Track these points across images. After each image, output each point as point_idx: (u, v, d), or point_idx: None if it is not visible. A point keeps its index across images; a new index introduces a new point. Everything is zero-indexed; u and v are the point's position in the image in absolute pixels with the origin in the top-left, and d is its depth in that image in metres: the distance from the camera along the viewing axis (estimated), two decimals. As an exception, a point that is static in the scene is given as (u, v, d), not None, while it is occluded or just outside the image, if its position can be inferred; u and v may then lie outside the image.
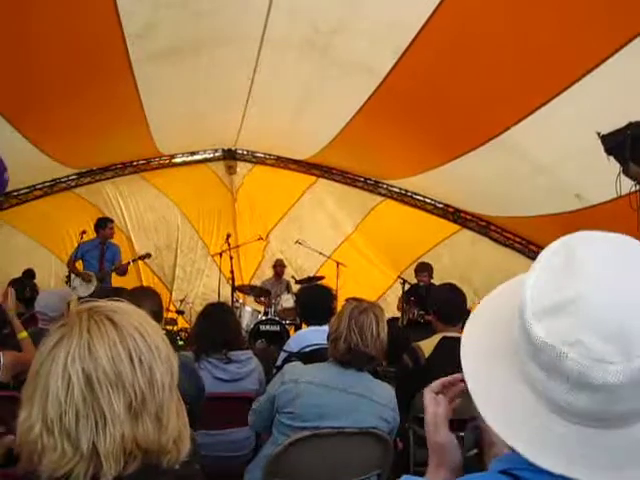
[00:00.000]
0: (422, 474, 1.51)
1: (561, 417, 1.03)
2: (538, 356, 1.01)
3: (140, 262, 10.64)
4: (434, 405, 1.51)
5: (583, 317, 0.97)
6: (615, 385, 0.95)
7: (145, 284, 10.89)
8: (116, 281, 9.39)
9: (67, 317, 1.33)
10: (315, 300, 4.85)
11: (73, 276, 8.92)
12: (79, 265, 9.05)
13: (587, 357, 0.95)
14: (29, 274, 9.18)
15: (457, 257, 10.79)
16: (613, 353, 0.94)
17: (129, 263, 9.43)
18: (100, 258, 9.08)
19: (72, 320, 1.30)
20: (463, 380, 1.19)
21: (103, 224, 9.20)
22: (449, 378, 1.55)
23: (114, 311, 1.33)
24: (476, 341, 1.21)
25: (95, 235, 9.18)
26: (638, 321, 0.96)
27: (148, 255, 9.84)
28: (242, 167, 12.18)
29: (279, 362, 4.66)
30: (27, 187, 10.12)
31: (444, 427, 1.48)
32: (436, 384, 1.56)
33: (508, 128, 6.45)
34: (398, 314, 9.82)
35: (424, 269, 9.42)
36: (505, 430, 1.06)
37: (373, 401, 3.17)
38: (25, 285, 7.96)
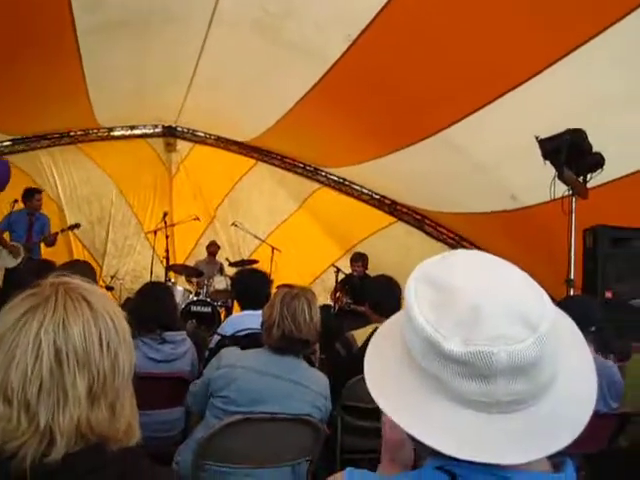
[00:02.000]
0: (350, 461, 1.54)
1: (481, 411, 1.09)
2: (466, 370, 1.07)
3: (71, 235, 10.43)
4: None
5: (486, 317, 1.06)
6: (539, 355, 1.05)
7: (76, 257, 10.68)
8: (46, 253, 9.17)
9: (38, 288, 1.30)
10: (252, 284, 4.83)
11: (0, 247, 8.68)
12: (6, 236, 8.77)
13: (510, 344, 1.04)
14: None
15: (391, 249, 10.87)
16: (523, 331, 1.05)
17: (57, 233, 9.11)
18: (28, 229, 8.83)
19: (45, 292, 1.28)
20: None
21: (30, 195, 8.90)
22: None
23: (89, 291, 1.32)
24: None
25: (23, 206, 8.90)
26: (520, 298, 1.10)
27: (77, 225, 9.65)
28: (183, 145, 12.06)
29: (212, 345, 4.64)
30: (-46, 151, 9.75)
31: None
32: None
33: (450, 125, 6.56)
34: (330, 302, 9.91)
35: (359, 259, 9.51)
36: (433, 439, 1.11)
37: (308, 388, 3.19)
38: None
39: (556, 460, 1.16)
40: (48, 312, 1.23)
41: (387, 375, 1.22)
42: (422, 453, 1.22)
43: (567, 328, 1.25)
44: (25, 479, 1.16)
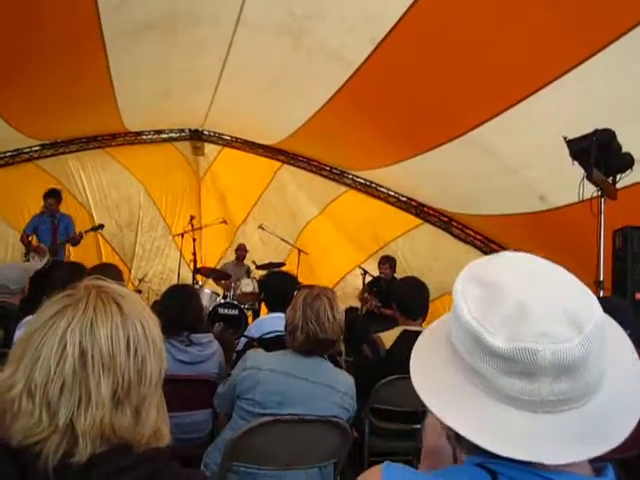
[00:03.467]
0: (378, 464, 1.53)
1: (525, 409, 1.10)
2: (511, 367, 1.08)
3: (100, 238, 10.51)
4: None
5: (532, 315, 1.08)
6: (585, 356, 1.06)
7: (105, 261, 10.77)
8: (76, 256, 9.28)
9: (75, 288, 1.32)
10: (279, 287, 4.85)
11: (28, 249, 8.79)
12: (33, 239, 8.89)
13: (556, 343, 1.05)
14: None
15: (418, 251, 10.86)
16: (568, 331, 1.06)
17: (81, 234, 9.12)
18: (52, 231, 8.91)
19: (79, 293, 1.30)
20: None
21: (46, 196, 8.99)
22: None
23: (122, 296, 1.33)
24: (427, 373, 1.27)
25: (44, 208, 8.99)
26: (568, 299, 1.11)
27: (101, 226, 9.75)
28: (211, 149, 12.12)
29: (240, 347, 4.66)
30: (-14, 156, 9.88)
31: (444, 432, 1.52)
32: None
33: (477, 126, 6.52)
34: (357, 304, 9.91)
35: (386, 261, 9.53)
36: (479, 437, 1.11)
37: (334, 389, 3.19)
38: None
39: (597, 465, 1.16)
40: (77, 313, 1.25)
41: (432, 372, 1.24)
42: (463, 450, 1.22)
43: (614, 330, 1.25)
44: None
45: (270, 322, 4.55)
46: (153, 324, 1.36)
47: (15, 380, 1.21)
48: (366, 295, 9.46)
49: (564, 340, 1.05)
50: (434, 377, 1.22)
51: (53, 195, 9.10)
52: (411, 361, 1.30)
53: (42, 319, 1.26)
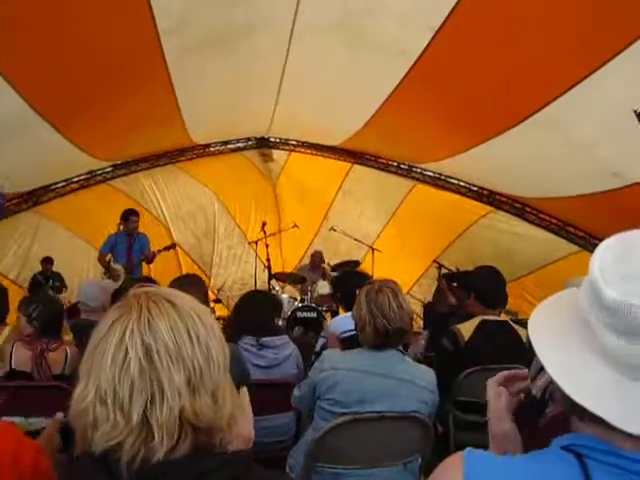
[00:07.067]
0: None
1: (620, 373, 1.13)
2: (614, 321, 1.10)
3: (179, 250, 10.70)
4: (496, 397, 1.55)
5: None
6: None
7: (185, 272, 10.94)
8: (156, 269, 9.52)
9: (123, 300, 1.36)
10: (353, 286, 4.84)
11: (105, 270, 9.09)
12: (108, 258, 9.15)
13: None
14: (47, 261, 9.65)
15: (492, 239, 10.68)
16: None
17: (154, 253, 9.33)
18: (128, 250, 9.13)
19: (130, 301, 1.33)
20: (525, 377, 1.36)
21: (126, 217, 9.19)
22: (512, 372, 1.60)
23: (171, 294, 1.37)
24: (547, 336, 1.29)
25: (123, 228, 9.25)
26: None
27: (173, 245, 9.94)
28: (280, 154, 12.21)
29: (318, 348, 4.69)
30: (64, 180, 10.16)
31: (507, 418, 1.52)
32: (499, 377, 1.63)
33: (544, 106, 6.34)
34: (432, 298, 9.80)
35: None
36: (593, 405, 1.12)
37: (413, 384, 3.17)
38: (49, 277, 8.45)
39: None
40: (133, 316, 1.28)
41: (549, 325, 1.28)
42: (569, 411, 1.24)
43: None
44: None
45: (345, 321, 4.56)
46: (208, 314, 1.40)
47: (87, 391, 1.25)
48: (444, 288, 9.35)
49: None
50: (551, 336, 1.26)
51: (136, 213, 9.38)
52: (533, 321, 1.32)
53: (101, 332, 1.30)
